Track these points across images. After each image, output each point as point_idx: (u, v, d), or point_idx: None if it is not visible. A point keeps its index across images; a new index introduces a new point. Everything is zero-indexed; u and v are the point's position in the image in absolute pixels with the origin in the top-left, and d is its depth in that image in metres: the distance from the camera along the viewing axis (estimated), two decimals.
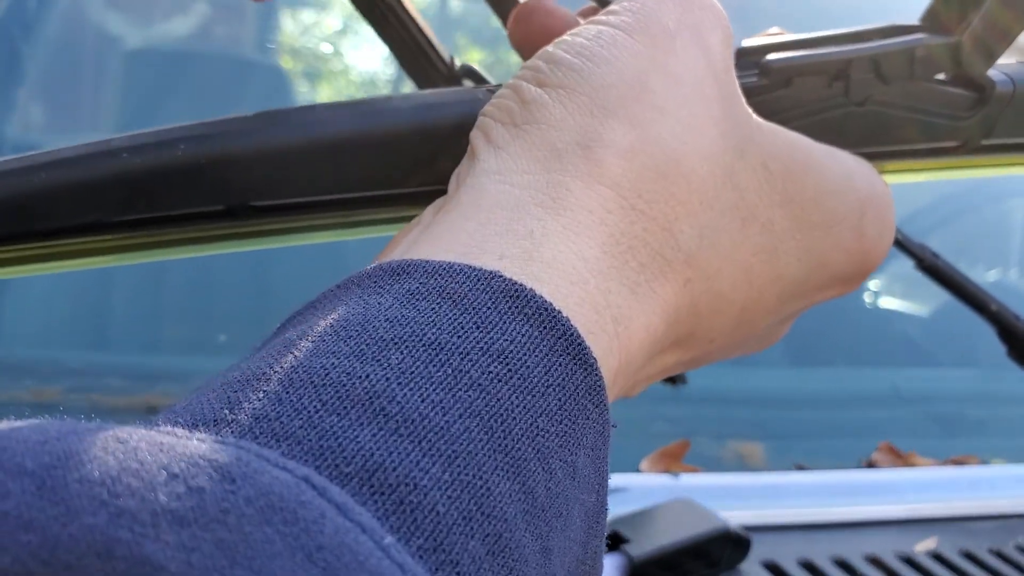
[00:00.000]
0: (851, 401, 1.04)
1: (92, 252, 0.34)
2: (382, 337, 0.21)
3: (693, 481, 0.72)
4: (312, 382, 0.20)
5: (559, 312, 0.23)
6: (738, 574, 0.61)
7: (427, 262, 0.24)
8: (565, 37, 0.28)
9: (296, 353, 0.21)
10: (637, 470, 0.76)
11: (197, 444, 0.17)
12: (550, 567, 0.21)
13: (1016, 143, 0.37)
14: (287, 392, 0.20)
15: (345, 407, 0.20)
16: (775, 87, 0.33)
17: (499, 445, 0.21)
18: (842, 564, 0.64)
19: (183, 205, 0.32)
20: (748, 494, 0.71)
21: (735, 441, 0.91)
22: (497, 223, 0.25)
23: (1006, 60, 0.37)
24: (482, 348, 0.22)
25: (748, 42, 0.35)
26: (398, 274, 0.23)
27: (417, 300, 0.23)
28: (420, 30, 0.43)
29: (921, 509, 0.73)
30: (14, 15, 1.08)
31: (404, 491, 0.19)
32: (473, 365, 0.21)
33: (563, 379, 0.22)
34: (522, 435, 0.21)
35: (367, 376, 0.20)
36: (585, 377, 0.23)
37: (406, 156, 0.30)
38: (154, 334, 0.91)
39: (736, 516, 0.63)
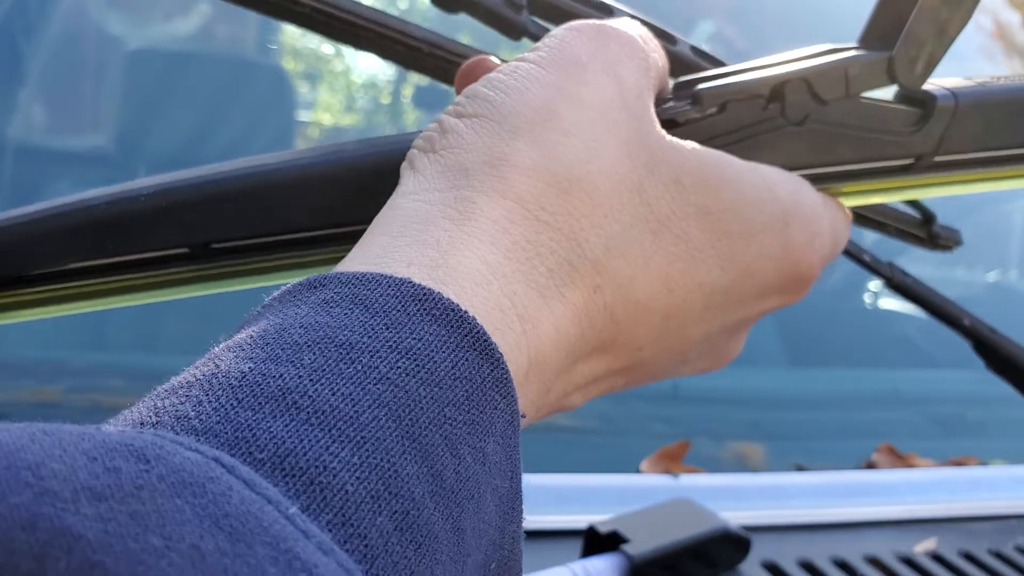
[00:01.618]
0: (851, 402, 1.04)
1: (66, 299, 0.36)
2: (296, 341, 0.23)
3: (693, 481, 0.72)
4: (230, 384, 0.22)
5: (465, 312, 0.25)
6: (738, 574, 0.61)
7: (341, 273, 0.26)
8: (488, 75, 0.31)
9: (217, 362, 0.23)
10: (637, 471, 0.76)
11: (118, 434, 0.19)
12: (464, 546, 0.23)
13: (971, 158, 0.38)
14: (206, 395, 0.21)
15: (259, 403, 0.21)
16: (710, 114, 0.34)
17: (407, 432, 0.22)
18: (842, 565, 0.64)
19: (149, 246, 0.34)
20: (748, 494, 0.71)
21: (735, 442, 0.91)
22: (407, 235, 0.27)
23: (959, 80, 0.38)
24: (391, 346, 0.24)
25: (686, 77, 0.36)
26: (314, 287, 0.25)
27: (331, 307, 0.24)
28: (418, 39, 0.44)
29: (921, 510, 0.73)
30: (15, 15, 1.08)
31: (314, 473, 0.20)
32: (382, 361, 0.23)
33: (470, 372, 0.24)
34: (430, 423, 0.23)
35: (281, 375, 0.22)
36: (492, 370, 0.25)
37: (358, 193, 0.31)
38: (154, 334, 0.91)
39: (736, 516, 0.63)
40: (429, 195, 0.29)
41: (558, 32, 0.32)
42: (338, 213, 0.31)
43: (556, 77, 0.30)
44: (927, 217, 0.57)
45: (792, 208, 0.34)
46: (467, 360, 0.24)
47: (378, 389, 0.22)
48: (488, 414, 0.24)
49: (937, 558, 0.66)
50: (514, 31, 0.43)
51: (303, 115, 1.23)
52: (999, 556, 0.67)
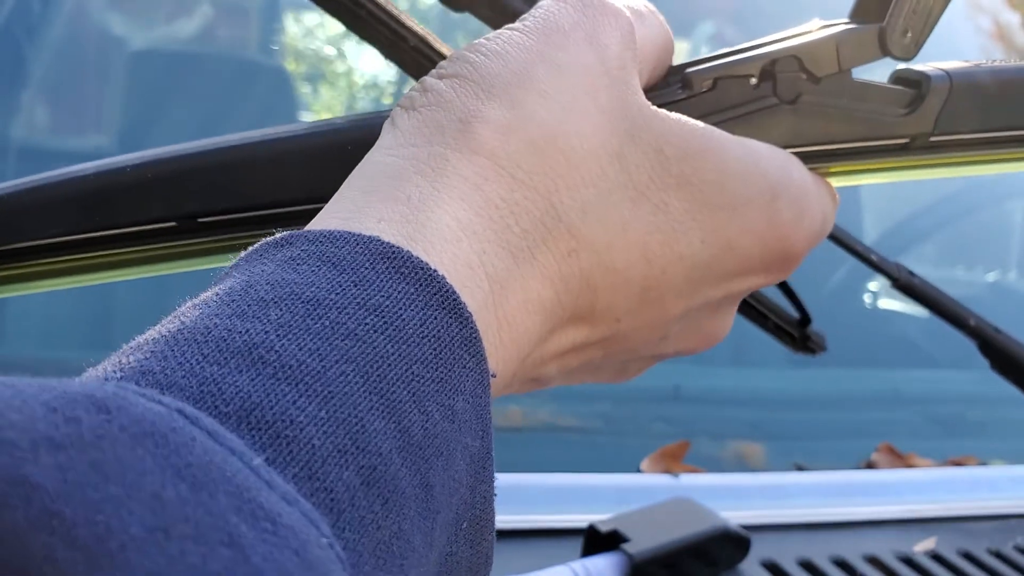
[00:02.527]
0: (851, 402, 1.04)
1: (54, 273, 0.36)
2: (263, 298, 0.23)
3: (693, 481, 0.73)
4: (195, 339, 0.22)
5: (435, 271, 0.25)
6: (738, 574, 0.61)
7: (309, 231, 0.25)
8: (475, 41, 0.31)
9: (183, 318, 0.23)
10: (638, 470, 0.76)
11: (79, 385, 0.18)
12: (432, 502, 0.23)
13: (967, 139, 0.38)
14: (171, 350, 0.21)
15: (225, 358, 0.21)
16: (700, 91, 0.34)
17: (374, 388, 0.22)
18: (841, 564, 0.64)
19: (135, 218, 0.34)
20: (748, 494, 0.72)
21: (735, 441, 0.91)
22: (380, 190, 0.27)
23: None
24: (359, 303, 0.23)
25: (677, 63, 0.36)
26: (281, 245, 0.25)
27: (298, 264, 0.24)
28: (415, 33, 0.43)
29: (920, 509, 0.73)
30: (18, 16, 1.08)
31: (280, 427, 0.20)
32: (350, 318, 0.23)
33: (438, 330, 0.24)
34: (397, 380, 0.23)
35: (247, 331, 0.22)
36: (460, 329, 0.25)
37: (346, 166, 0.31)
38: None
39: (736, 516, 0.63)
40: (403, 150, 0.29)
41: (545, 3, 0.32)
42: (326, 186, 0.30)
43: (537, 43, 0.30)
44: (804, 318, 0.60)
45: (780, 183, 0.33)
46: (436, 318, 0.24)
47: (345, 345, 0.22)
48: (457, 372, 0.24)
49: (937, 558, 0.67)
50: None
51: (305, 116, 1.23)
52: (998, 556, 0.68)
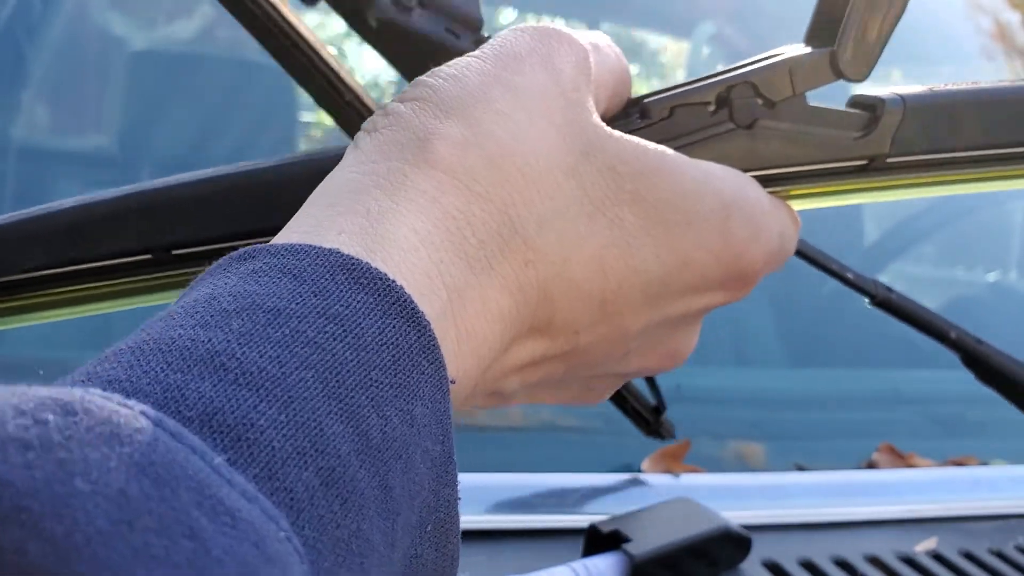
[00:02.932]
0: (851, 402, 1.04)
1: (31, 308, 0.37)
2: (225, 308, 0.24)
3: (694, 481, 0.73)
4: (160, 349, 0.23)
5: (393, 281, 0.26)
6: (738, 573, 0.61)
7: (271, 245, 0.27)
8: (437, 67, 0.33)
9: (149, 331, 0.24)
10: (638, 470, 0.76)
11: (48, 390, 0.19)
12: (392, 503, 0.24)
13: (925, 160, 0.39)
14: (137, 360, 0.22)
15: (189, 366, 0.22)
16: (658, 120, 0.35)
17: (333, 393, 0.23)
18: (842, 564, 0.64)
19: (111, 250, 0.36)
20: (749, 494, 0.72)
21: (736, 441, 0.91)
22: (340, 205, 0.29)
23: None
24: (319, 312, 0.24)
25: (636, 95, 0.37)
26: (244, 258, 0.26)
27: (259, 276, 0.25)
28: (346, 84, 0.44)
29: (921, 509, 0.73)
30: (19, 17, 1.08)
31: (241, 430, 0.21)
32: (309, 326, 0.24)
33: (396, 338, 0.25)
34: (356, 385, 0.24)
35: (210, 340, 0.23)
36: (418, 337, 0.26)
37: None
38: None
39: (737, 516, 0.63)
40: (364, 167, 0.30)
41: (504, 32, 0.34)
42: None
43: (494, 67, 0.32)
44: (659, 407, 0.66)
45: (734, 202, 0.34)
46: (394, 326, 0.25)
47: (305, 352, 0.23)
48: (415, 378, 0.25)
49: (938, 557, 0.67)
50: None
51: (306, 116, 1.23)
52: (1000, 555, 0.68)
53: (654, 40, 1.67)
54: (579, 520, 0.62)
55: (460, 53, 0.40)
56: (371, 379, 0.24)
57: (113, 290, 0.37)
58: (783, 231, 0.36)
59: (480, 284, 0.29)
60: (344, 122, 0.46)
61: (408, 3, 0.40)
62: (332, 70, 0.43)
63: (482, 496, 0.65)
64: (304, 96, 1.38)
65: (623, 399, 0.64)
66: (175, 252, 0.36)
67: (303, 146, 1.29)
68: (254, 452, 0.21)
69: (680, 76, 1.58)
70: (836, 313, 1.13)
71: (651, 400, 0.66)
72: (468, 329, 0.29)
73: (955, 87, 0.39)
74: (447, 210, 0.29)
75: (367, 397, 0.24)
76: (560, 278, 0.31)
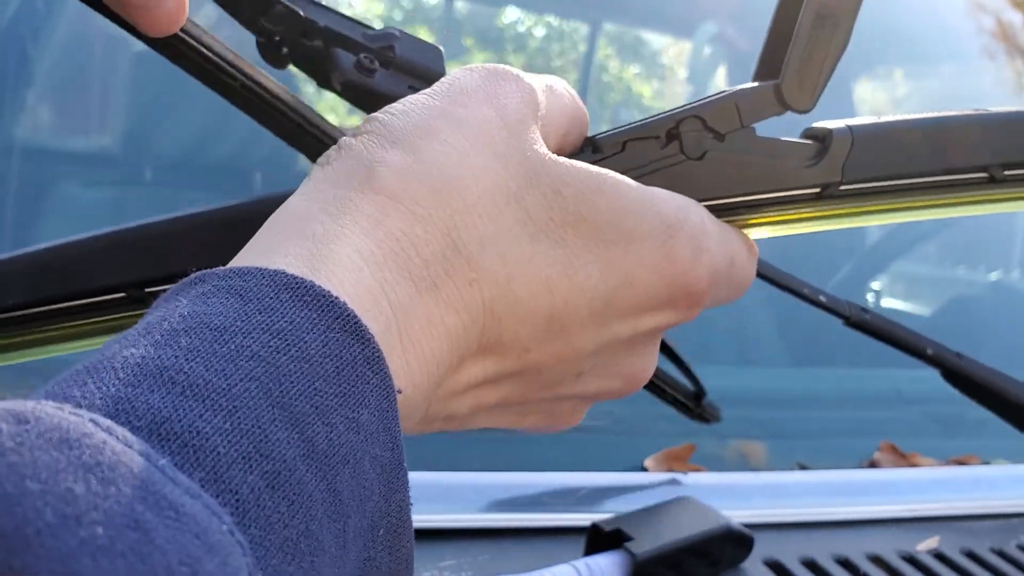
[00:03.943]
0: (853, 401, 1.05)
1: (9, 348, 0.39)
2: (175, 328, 0.25)
3: (696, 480, 0.73)
4: (113, 367, 0.24)
5: (336, 298, 0.27)
6: (740, 572, 0.61)
7: (219, 269, 0.28)
8: (388, 104, 0.34)
9: (105, 352, 0.25)
10: (641, 469, 0.77)
11: (3, 403, 0.21)
12: (341, 506, 0.25)
13: (876, 187, 0.40)
14: (91, 378, 0.23)
15: (139, 380, 0.23)
16: (610, 154, 0.37)
17: (277, 402, 0.24)
18: (844, 563, 0.64)
19: (84, 287, 0.37)
20: (751, 493, 0.72)
21: (738, 440, 0.91)
22: (288, 230, 0.30)
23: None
24: (263, 328, 0.26)
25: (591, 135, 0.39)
26: (195, 283, 0.28)
27: (208, 298, 0.27)
28: (312, 123, 0.45)
29: (923, 508, 0.74)
30: (22, 17, 1.08)
31: (187, 437, 0.22)
32: (254, 342, 0.25)
33: (339, 350, 0.26)
34: (300, 395, 0.25)
35: (159, 357, 0.24)
36: (362, 349, 0.27)
37: None
38: None
39: (739, 515, 0.63)
40: (312, 195, 0.31)
41: (456, 71, 0.35)
42: None
43: (440, 102, 0.33)
44: (699, 392, 0.67)
45: (676, 223, 0.35)
46: (337, 339, 0.26)
47: (249, 365, 0.25)
48: (360, 387, 0.26)
49: (939, 556, 0.67)
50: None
51: None
52: (1001, 554, 0.68)
53: (656, 40, 1.67)
54: (581, 519, 0.63)
55: None
56: (315, 388, 0.25)
57: (88, 329, 0.38)
58: (734, 256, 0.37)
59: (425, 302, 0.30)
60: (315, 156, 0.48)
61: (371, 66, 0.42)
62: (299, 114, 0.45)
63: (484, 494, 0.65)
64: (305, 96, 1.38)
65: (662, 390, 0.65)
66: (148, 290, 0.37)
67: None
68: (200, 457, 0.22)
69: (682, 76, 1.58)
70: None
71: (690, 386, 0.67)
72: (415, 343, 0.30)
73: (902, 117, 0.41)
74: (390, 231, 0.30)
75: (311, 405, 0.25)
76: (505, 297, 0.32)
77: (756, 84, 0.38)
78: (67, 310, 0.37)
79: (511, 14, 1.57)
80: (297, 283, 0.27)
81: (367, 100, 0.42)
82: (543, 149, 0.34)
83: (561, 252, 0.33)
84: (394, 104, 0.34)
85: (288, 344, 0.26)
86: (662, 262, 0.35)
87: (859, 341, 0.70)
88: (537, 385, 0.35)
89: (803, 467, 0.84)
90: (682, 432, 0.80)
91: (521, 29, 1.55)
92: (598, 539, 0.59)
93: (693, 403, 0.67)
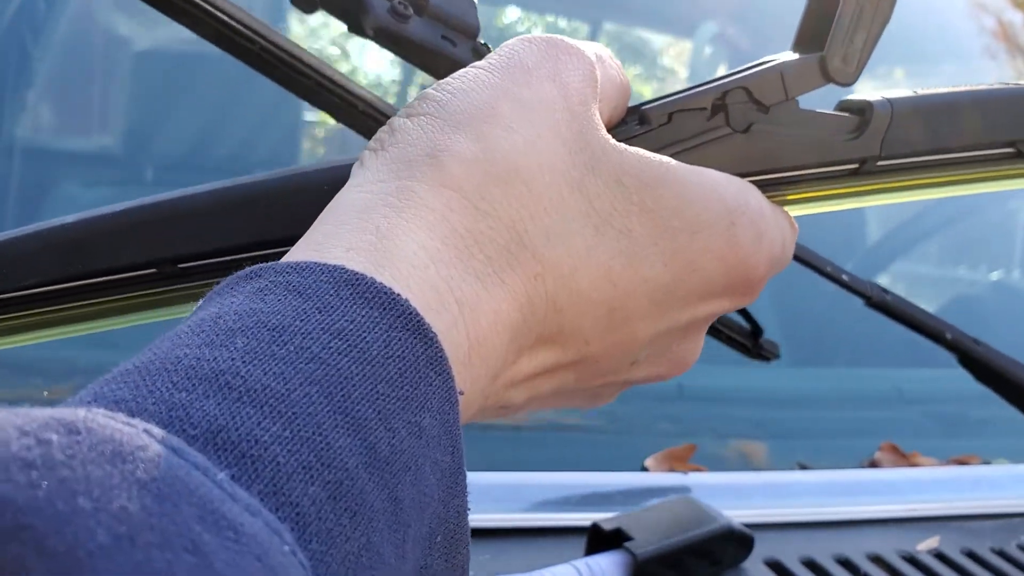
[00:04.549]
0: (854, 401, 1.05)
1: (34, 326, 0.37)
2: (230, 327, 0.24)
3: (696, 480, 0.73)
4: (166, 368, 0.23)
5: (397, 295, 0.26)
6: (741, 572, 0.61)
7: (276, 263, 0.27)
8: (442, 79, 0.33)
9: (155, 350, 0.24)
10: (642, 469, 0.77)
11: (52, 411, 0.20)
12: (401, 515, 0.24)
13: (915, 162, 0.39)
14: (143, 380, 0.22)
15: (193, 384, 0.22)
16: (657, 126, 0.36)
17: (339, 407, 0.23)
18: (845, 563, 0.64)
19: (115, 263, 0.35)
20: (751, 493, 0.72)
21: (738, 440, 0.92)
22: (348, 223, 0.29)
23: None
24: (323, 328, 0.24)
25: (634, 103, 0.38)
26: (250, 277, 0.27)
27: (264, 295, 0.25)
28: (358, 96, 0.45)
29: (924, 508, 0.73)
30: (23, 17, 1.08)
31: (245, 447, 0.21)
32: (314, 342, 0.24)
33: (402, 351, 0.25)
34: (362, 399, 0.24)
35: (214, 359, 0.23)
36: (425, 349, 0.26)
37: (319, 210, 0.32)
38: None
39: (739, 515, 0.63)
40: (372, 186, 0.30)
41: (511, 42, 0.34)
42: (303, 228, 0.31)
43: (501, 80, 0.32)
44: (756, 329, 0.65)
45: (737, 208, 0.34)
46: (400, 339, 0.25)
47: (309, 368, 0.23)
48: (423, 390, 0.25)
49: (940, 556, 0.67)
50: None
51: (309, 115, 1.23)
52: (1002, 554, 0.68)
53: (656, 40, 1.67)
54: (582, 519, 0.62)
55: (457, 61, 0.40)
56: (377, 392, 0.24)
57: (119, 306, 0.37)
58: (783, 237, 0.37)
59: (492, 297, 0.29)
60: (364, 130, 0.47)
61: (405, 11, 0.41)
62: (341, 86, 0.44)
63: (485, 494, 0.65)
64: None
65: (717, 331, 0.63)
66: (181, 266, 0.36)
67: (306, 145, 1.29)
68: (259, 468, 0.21)
69: (682, 76, 1.58)
70: (838, 312, 1.13)
71: (745, 325, 0.65)
72: (480, 340, 0.29)
73: (942, 90, 0.40)
74: (455, 228, 0.29)
75: (374, 410, 0.24)
76: (568, 289, 0.32)
77: (799, 56, 0.38)
78: (96, 286, 0.36)
79: (511, 14, 1.57)
80: (358, 279, 0.26)
81: (400, 47, 0.41)
82: (603, 133, 0.33)
83: (626, 243, 0.32)
84: (450, 81, 0.32)
85: (349, 345, 0.24)
86: (725, 248, 0.34)
87: (860, 340, 0.69)
88: (592, 373, 0.35)
89: (804, 467, 0.84)
90: (682, 432, 0.80)
91: (521, 29, 1.55)
92: (599, 539, 0.59)
93: (751, 341, 0.65)
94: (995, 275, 1.42)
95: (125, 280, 0.36)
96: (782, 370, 1.10)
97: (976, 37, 1.47)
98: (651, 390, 0.93)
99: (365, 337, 0.25)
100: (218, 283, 0.36)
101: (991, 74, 1.46)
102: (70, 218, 0.35)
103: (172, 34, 1.20)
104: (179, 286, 0.36)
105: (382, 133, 0.32)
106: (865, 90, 0.40)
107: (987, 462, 0.88)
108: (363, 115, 0.44)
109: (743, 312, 0.65)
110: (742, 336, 0.65)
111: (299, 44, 0.44)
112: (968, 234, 1.42)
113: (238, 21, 0.42)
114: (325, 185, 0.34)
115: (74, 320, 0.37)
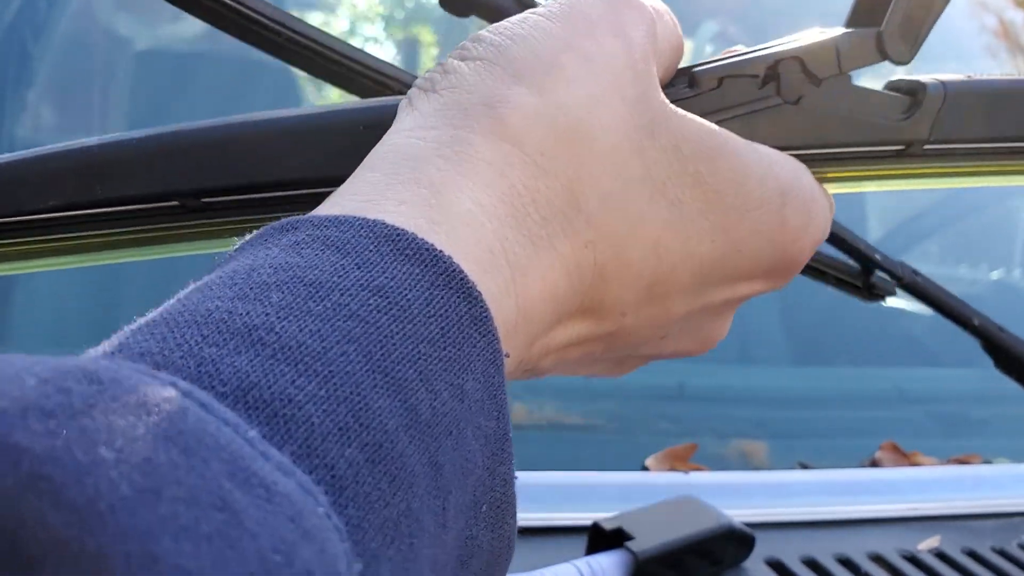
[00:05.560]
0: (854, 400, 1.05)
1: (51, 252, 0.35)
2: (265, 281, 0.23)
3: (697, 479, 0.73)
4: (196, 321, 0.21)
5: (440, 251, 0.25)
6: (742, 572, 0.61)
7: (314, 216, 0.25)
8: (497, 23, 0.31)
9: (185, 302, 0.22)
10: (642, 468, 0.77)
11: (74, 359, 0.18)
12: (442, 481, 0.22)
13: (963, 149, 0.38)
14: (171, 331, 0.21)
15: (224, 339, 0.21)
16: (707, 90, 0.35)
17: (378, 367, 0.22)
18: (845, 562, 0.64)
19: (137, 191, 0.33)
20: (752, 492, 0.72)
21: (739, 440, 0.91)
22: (400, 173, 0.27)
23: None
24: (362, 284, 0.23)
25: (685, 65, 0.37)
26: (286, 229, 0.25)
27: (301, 248, 0.24)
28: (385, 74, 0.44)
29: (924, 508, 0.73)
30: (24, 17, 1.08)
31: (278, 405, 0.20)
32: (352, 299, 0.23)
33: (445, 310, 0.24)
34: (402, 359, 0.22)
35: (247, 313, 0.22)
36: (469, 308, 0.24)
37: (356, 149, 0.30)
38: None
39: (740, 514, 0.63)
40: (425, 133, 0.28)
41: None
42: (336, 168, 0.30)
43: (564, 30, 0.30)
44: (866, 267, 0.59)
45: (790, 189, 0.33)
46: (442, 298, 0.24)
47: (347, 325, 0.22)
48: (466, 351, 0.24)
49: (941, 556, 0.67)
50: None
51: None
52: (1003, 554, 0.68)
53: None
54: (582, 518, 0.62)
55: (500, 9, 0.38)
56: (419, 352, 0.23)
57: (136, 238, 0.35)
58: (826, 218, 0.36)
59: (541, 263, 0.28)
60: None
61: None
62: (362, 63, 0.43)
63: None
64: (308, 95, 1.38)
65: (823, 273, 0.59)
66: (204, 200, 0.34)
67: None
68: (291, 428, 0.20)
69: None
70: (839, 311, 1.13)
71: (854, 264, 0.60)
72: (527, 306, 0.28)
73: (993, 77, 0.39)
74: (513, 185, 0.28)
75: (415, 371, 0.22)
76: (619, 260, 0.30)
77: (856, 30, 0.37)
78: (114, 215, 0.34)
79: None
80: (399, 235, 0.24)
81: None
82: (663, 97, 0.31)
83: (677, 215, 0.31)
84: (508, 25, 0.30)
85: (389, 303, 0.23)
86: (775, 229, 0.33)
87: (861, 339, 0.69)
88: (622, 345, 0.33)
89: (804, 466, 0.84)
90: (683, 431, 0.80)
91: None
92: (599, 538, 0.59)
93: (862, 280, 0.59)
94: (995, 274, 1.42)
95: (146, 211, 0.34)
96: (782, 369, 1.10)
97: (977, 36, 1.47)
98: (652, 389, 0.93)
99: (406, 295, 0.23)
100: (241, 222, 0.34)
101: (991, 74, 1.46)
102: (93, 141, 0.33)
103: (172, 34, 1.20)
104: (200, 221, 0.35)
105: (434, 73, 0.30)
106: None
107: (988, 461, 0.88)
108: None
109: (848, 250, 0.59)
110: (851, 276, 0.59)
111: (322, 30, 0.43)
112: (968, 233, 1.42)
113: (260, 13, 0.41)
114: (362, 125, 0.32)
115: (91, 249, 0.35)
